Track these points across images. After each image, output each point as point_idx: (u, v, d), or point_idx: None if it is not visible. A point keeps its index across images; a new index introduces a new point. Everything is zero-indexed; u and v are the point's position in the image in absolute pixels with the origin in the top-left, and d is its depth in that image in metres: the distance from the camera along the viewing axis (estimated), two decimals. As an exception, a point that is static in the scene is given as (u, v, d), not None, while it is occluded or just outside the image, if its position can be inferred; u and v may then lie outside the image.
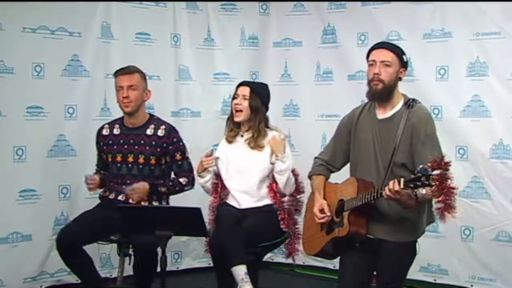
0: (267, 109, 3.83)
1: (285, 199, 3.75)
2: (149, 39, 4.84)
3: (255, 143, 3.73)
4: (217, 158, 3.77)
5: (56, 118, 4.46)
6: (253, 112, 3.74)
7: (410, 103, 3.06)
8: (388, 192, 2.81)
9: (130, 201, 3.72)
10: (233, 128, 3.82)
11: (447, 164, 2.65)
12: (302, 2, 5.12)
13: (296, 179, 3.77)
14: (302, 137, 5.09)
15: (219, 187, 3.79)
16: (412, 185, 2.71)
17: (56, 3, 4.39)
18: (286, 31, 5.19)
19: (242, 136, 3.80)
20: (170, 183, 3.87)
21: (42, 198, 4.41)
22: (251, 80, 4.99)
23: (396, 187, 2.78)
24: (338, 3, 4.96)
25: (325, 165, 3.35)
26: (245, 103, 3.73)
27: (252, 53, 5.23)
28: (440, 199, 2.67)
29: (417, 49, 4.55)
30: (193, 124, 5.02)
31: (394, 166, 3.00)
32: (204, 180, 3.78)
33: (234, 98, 3.80)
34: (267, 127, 3.81)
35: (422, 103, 3.11)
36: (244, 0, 5.16)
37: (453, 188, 2.66)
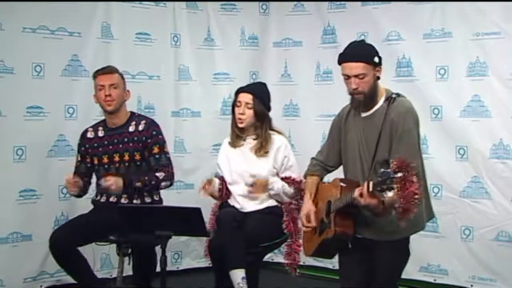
0: (270, 109, 3.78)
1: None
2: (149, 39, 4.84)
3: (263, 151, 3.67)
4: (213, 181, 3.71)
5: (56, 118, 4.47)
6: (259, 119, 3.69)
7: (391, 98, 3.00)
8: (357, 194, 2.76)
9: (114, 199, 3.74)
10: (238, 134, 3.75)
11: (409, 166, 2.57)
12: (302, 2, 5.12)
13: (299, 187, 3.66)
14: (302, 137, 5.08)
15: (223, 192, 3.74)
16: (379, 188, 2.65)
17: (56, 3, 4.40)
18: (286, 31, 5.19)
19: (245, 140, 3.74)
20: (146, 177, 3.76)
21: (42, 198, 4.41)
22: (251, 80, 4.98)
23: (365, 191, 2.73)
24: (338, 3, 4.95)
25: (321, 165, 3.31)
26: (249, 112, 3.65)
27: (252, 53, 5.22)
28: (401, 201, 2.58)
29: (417, 49, 4.56)
30: (193, 124, 5.01)
31: (377, 164, 2.93)
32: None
33: (236, 105, 3.70)
34: (271, 129, 3.75)
35: (405, 97, 3.05)
36: (244, 0, 5.16)
37: (414, 193, 2.56)
